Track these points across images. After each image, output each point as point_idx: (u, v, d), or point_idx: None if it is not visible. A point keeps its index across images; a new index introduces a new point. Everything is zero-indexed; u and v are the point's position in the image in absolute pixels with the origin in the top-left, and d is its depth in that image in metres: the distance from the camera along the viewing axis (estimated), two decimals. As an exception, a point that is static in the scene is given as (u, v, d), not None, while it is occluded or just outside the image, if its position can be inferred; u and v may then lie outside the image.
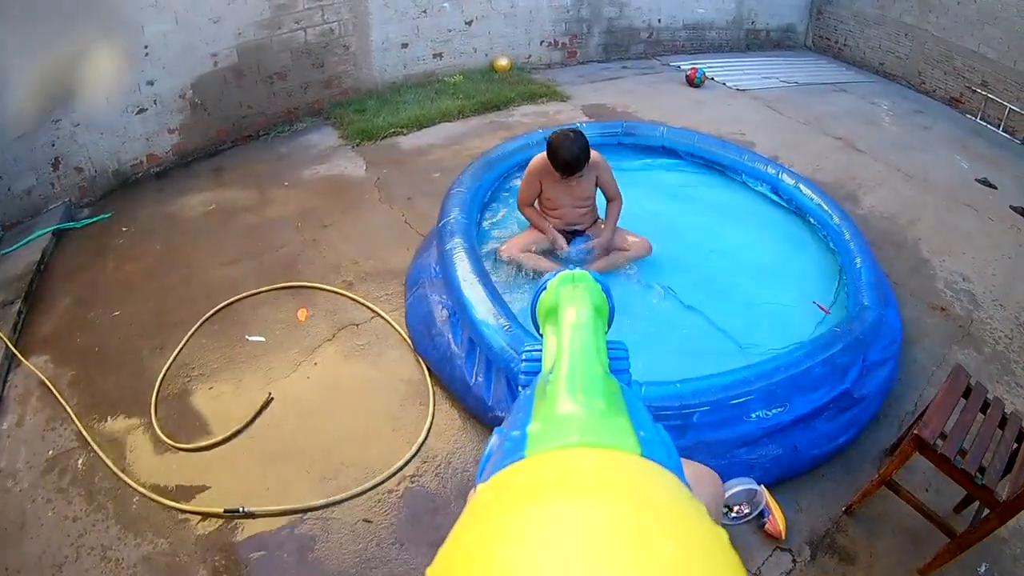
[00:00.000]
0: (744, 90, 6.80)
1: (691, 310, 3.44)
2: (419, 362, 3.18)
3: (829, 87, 7.11)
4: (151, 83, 4.57)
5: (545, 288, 1.12)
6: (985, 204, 4.92)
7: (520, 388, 0.96)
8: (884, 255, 4.05)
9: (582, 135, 3.33)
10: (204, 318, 3.37)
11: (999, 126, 6.32)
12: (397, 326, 3.37)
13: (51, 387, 2.97)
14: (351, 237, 4.07)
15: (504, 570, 0.42)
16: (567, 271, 1.12)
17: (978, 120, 6.49)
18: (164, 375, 3.04)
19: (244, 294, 3.55)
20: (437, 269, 3.31)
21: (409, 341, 3.28)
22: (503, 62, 6.48)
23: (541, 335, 1.11)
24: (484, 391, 2.85)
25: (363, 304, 3.51)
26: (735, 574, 0.44)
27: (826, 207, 4.00)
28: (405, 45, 5.99)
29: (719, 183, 4.58)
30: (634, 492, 0.51)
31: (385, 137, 5.21)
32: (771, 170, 4.37)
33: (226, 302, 3.48)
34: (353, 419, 2.90)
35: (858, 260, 3.48)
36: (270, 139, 5.28)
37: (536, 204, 3.67)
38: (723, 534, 0.47)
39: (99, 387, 3.01)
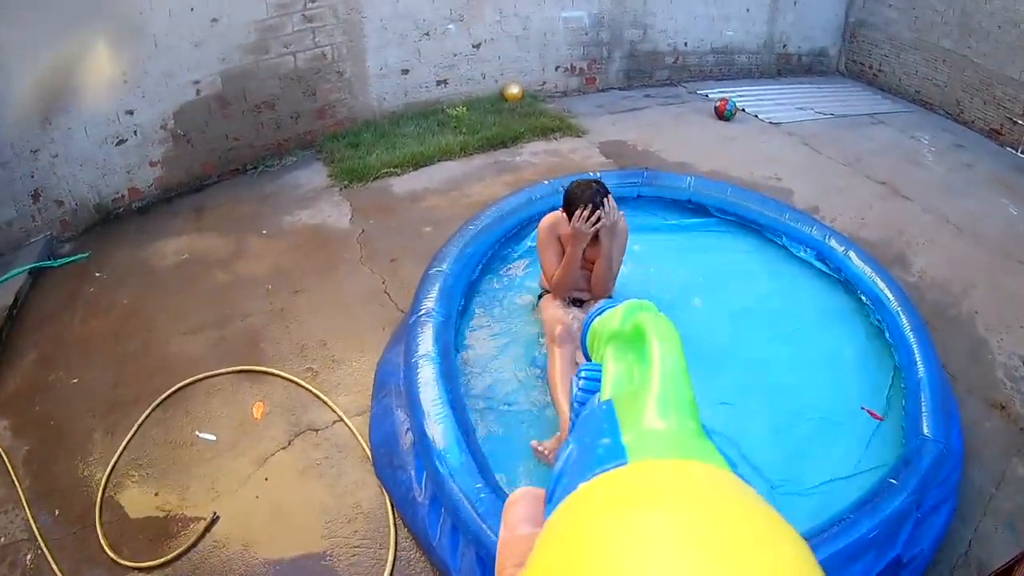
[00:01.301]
0: (778, 124, 6.35)
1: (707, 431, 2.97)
2: (382, 491, 2.76)
3: (866, 118, 6.77)
4: (130, 112, 4.33)
5: (603, 313, 1.18)
6: None
7: (576, 404, 1.07)
8: (939, 336, 3.61)
9: (604, 186, 3.08)
10: (155, 403, 3.12)
11: (1041, 161, 6.06)
12: (360, 438, 2.96)
13: (7, 463, 2.83)
14: (323, 309, 3.69)
15: (638, 565, 0.43)
16: (633, 300, 1.15)
17: (1019, 154, 6.22)
18: (112, 469, 2.81)
19: (199, 376, 3.26)
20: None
21: (371, 460, 2.88)
22: (514, 90, 6.03)
23: (588, 358, 1.22)
24: (449, 556, 2.36)
25: (325, 403, 3.13)
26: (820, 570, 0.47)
27: (882, 285, 3.54)
28: (406, 71, 5.57)
29: (753, 246, 4.13)
30: (746, 502, 0.53)
31: (377, 178, 4.80)
32: (817, 233, 3.92)
33: (180, 384, 3.21)
34: (304, 558, 2.55)
35: (920, 369, 3.03)
36: (257, 174, 4.91)
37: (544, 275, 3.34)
38: (803, 540, 0.50)
39: (52, 472, 2.84)
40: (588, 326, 1.25)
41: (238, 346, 3.45)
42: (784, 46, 7.64)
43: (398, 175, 4.87)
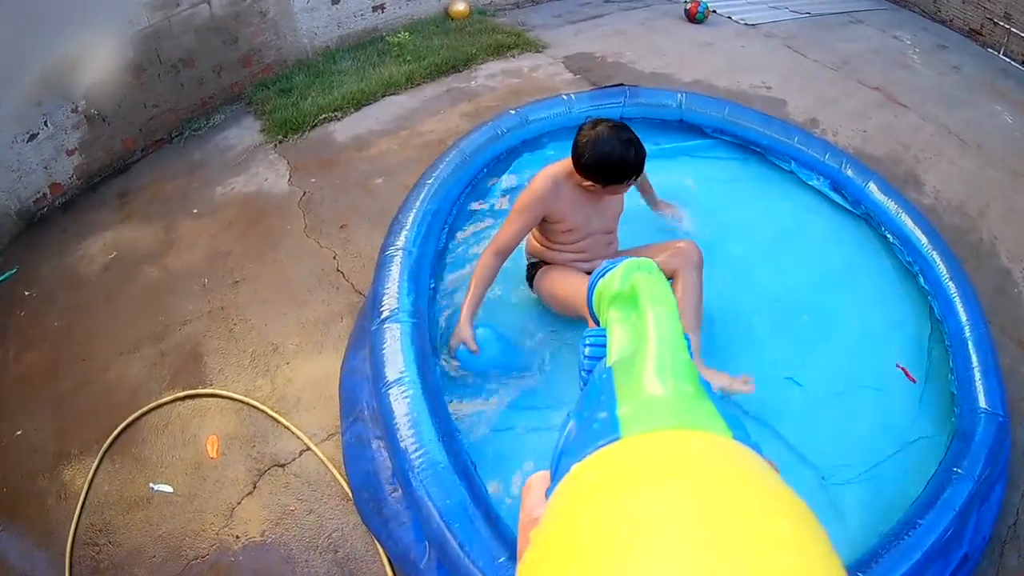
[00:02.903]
0: (754, 25, 5.83)
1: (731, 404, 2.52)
2: (372, 540, 2.30)
3: (843, 17, 6.42)
4: (38, 103, 3.70)
5: (605, 274, 1.13)
6: None
7: (583, 372, 1.07)
8: (965, 268, 3.32)
9: (640, 142, 2.45)
10: (101, 454, 2.61)
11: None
12: (335, 471, 2.47)
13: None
14: (269, 301, 3.13)
15: (630, 550, 0.42)
16: (632, 259, 1.11)
17: (1001, 55, 6.02)
18: (72, 544, 2.36)
19: (143, 410, 2.73)
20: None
21: (352, 498, 2.39)
22: (460, 7, 5.30)
23: (597, 322, 1.17)
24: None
25: (287, 427, 2.63)
26: (833, 550, 0.45)
27: (911, 223, 3.13)
28: (336, 1, 4.84)
29: (757, 175, 3.66)
30: (741, 473, 0.52)
31: (315, 126, 4.14)
32: (832, 160, 3.45)
33: (123, 425, 2.69)
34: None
35: (967, 328, 2.71)
36: (184, 141, 4.23)
37: (536, 241, 2.78)
38: (809, 508, 0.48)
39: (10, 557, 2.40)
40: (593, 288, 1.20)
41: (180, 363, 2.92)
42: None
43: (338, 119, 4.23)
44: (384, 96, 4.39)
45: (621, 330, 1.01)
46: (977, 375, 2.55)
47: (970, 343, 2.66)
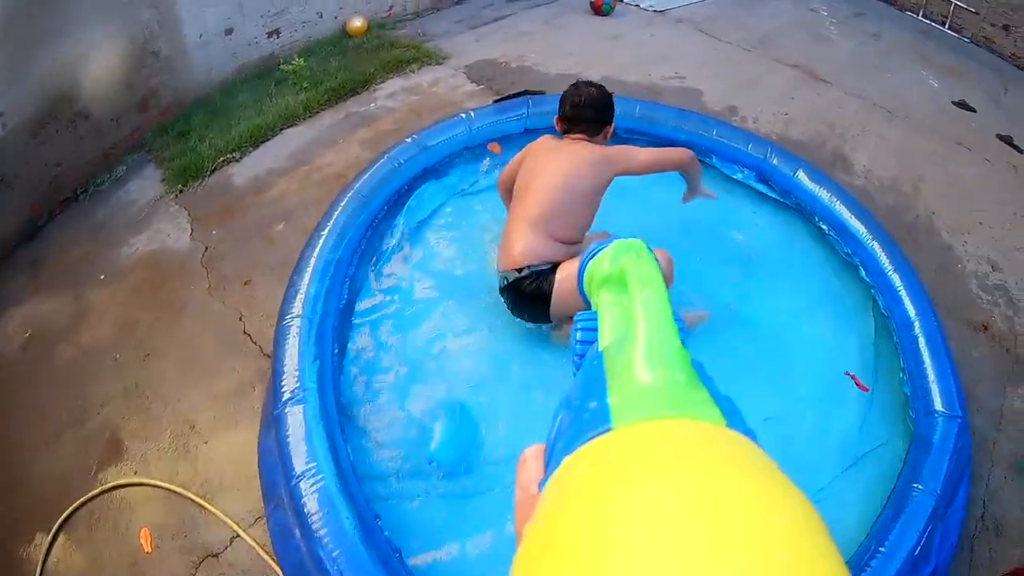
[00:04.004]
0: (663, 11, 5.72)
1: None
2: None
3: None
4: None
5: (595, 256, 1.13)
6: (974, 138, 4.45)
7: (576, 357, 1.05)
8: (904, 250, 3.24)
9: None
10: (41, 560, 2.37)
11: (945, 24, 5.99)
12: (269, 559, 2.26)
13: None
14: (180, 374, 2.90)
15: (622, 548, 0.42)
16: (622, 239, 1.11)
17: (920, 18, 6.15)
18: None
19: (72, 507, 2.50)
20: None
21: None
22: (357, 23, 5.03)
23: (590, 305, 1.17)
24: None
25: (213, 513, 2.40)
26: (830, 540, 0.45)
27: (846, 212, 3.04)
28: (229, 31, 4.50)
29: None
30: (734, 464, 0.51)
31: (214, 170, 3.85)
32: (756, 150, 3.34)
33: (56, 526, 2.45)
34: None
35: (916, 322, 2.61)
36: (88, 198, 3.89)
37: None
38: (806, 497, 0.48)
39: None
40: (583, 270, 1.21)
41: (103, 450, 2.69)
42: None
43: (237, 160, 3.94)
44: (282, 129, 4.13)
45: (612, 313, 1.01)
46: (931, 374, 2.46)
47: (921, 339, 2.58)
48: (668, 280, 2.53)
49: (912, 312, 2.63)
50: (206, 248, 3.39)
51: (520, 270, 2.53)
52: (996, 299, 3.29)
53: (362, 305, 2.85)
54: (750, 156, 3.33)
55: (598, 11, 5.51)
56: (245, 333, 2.97)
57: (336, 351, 2.52)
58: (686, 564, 0.39)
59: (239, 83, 4.59)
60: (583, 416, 0.67)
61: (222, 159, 3.88)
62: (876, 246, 2.87)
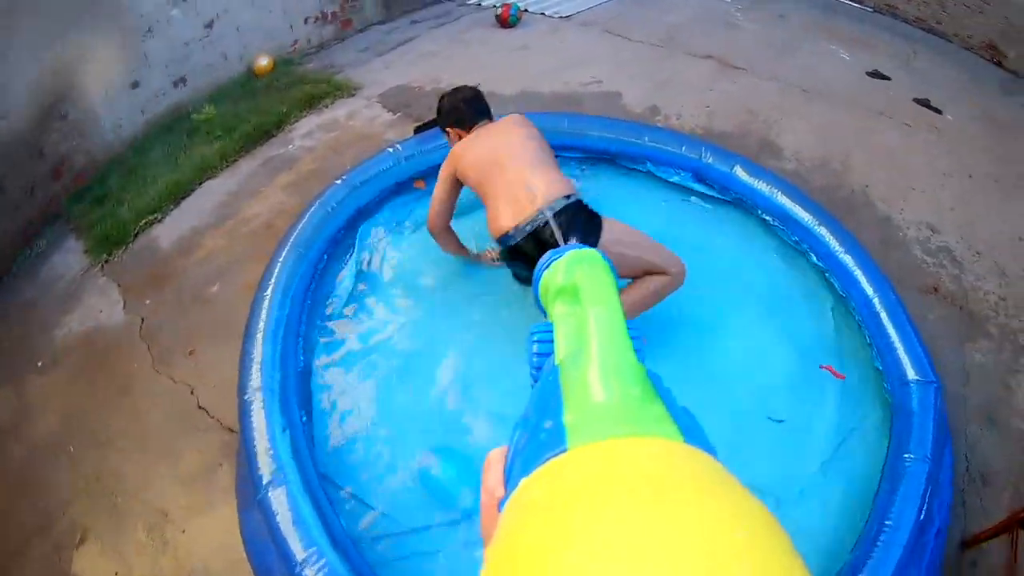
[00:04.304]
0: (569, 16, 5.72)
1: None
2: None
3: None
4: None
5: (549, 267, 1.12)
6: (894, 106, 4.60)
7: (533, 370, 1.01)
8: (846, 226, 3.28)
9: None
10: None
11: (846, -5, 6.28)
12: None
13: None
14: (140, 459, 2.70)
15: (579, 572, 0.41)
16: (575, 249, 1.12)
17: None
18: None
19: None
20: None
21: None
22: (263, 62, 4.86)
23: (546, 316, 1.15)
24: None
25: None
26: (794, 555, 0.44)
27: (788, 201, 3.04)
28: (135, 84, 4.28)
29: (614, 183, 3.47)
30: (692, 481, 0.51)
31: (137, 235, 3.63)
32: (689, 151, 3.30)
33: None
34: None
35: (872, 294, 2.64)
36: (13, 278, 3.63)
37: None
38: (769, 512, 0.48)
39: None
40: (538, 280, 1.18)
41: (77, 555, 2.48)
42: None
43: (159, 220, 3.72)
44: (201, 183, 3.93)
45: (567, 325, 0.99)
46: (899, 345, 2.49)
47: (883, 313, 2.60)
48: (676, 286, 2.53)
49: (870, 289, 2.66)
50: (142, 320, 3.19)
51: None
52: (941, 261, 3.39)
53: (320, 361, 2.71)
54: (685, 158, 3.30)
55: (504, 23, 5.47)
56: (200, 408, 2.79)
57: (304, 418, 2.38)
58: None
59: (151, 138, 4.38)
60: (539, 436, 0.66)
61: (144, 221, 3.68)
62: (822, 230, 2.90)
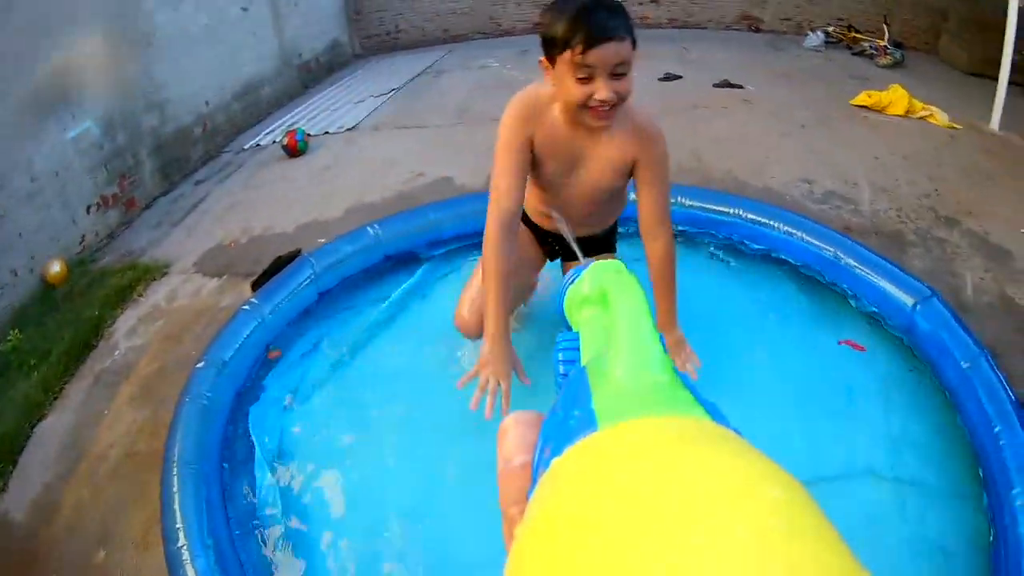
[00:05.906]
0: (354, 126, 5.50)
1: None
2: None
3: (425, 76, 6.69)
4: None
5: (577, 278, 1.18)
6: (702, 97, 4.90)
7: (559, 377, 1.10)
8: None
9: None
10: None
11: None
12: None
13: None
14: None
15: (620, 527, 0.42)
16: (601, 261, 1.17)
17: None
18: None
19: None
20: None
21: None
22: (55, 269, 4.04)
23: (570, 327, 1.22)
24: None
25: None
26: (820, 513, 0.45)
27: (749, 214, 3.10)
28: None
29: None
30: (726, 447, 0.53)
31: None
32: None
33: None
34: None
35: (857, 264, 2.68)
36: None
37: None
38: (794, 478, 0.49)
39: None
40: (563, 294, 1.23)
41: None
42: (300, 55, 6.93)
43: (3, 490, 2.78)
44: (32, 427, 3.06)
45: (593, 329, 1.07)
46: (888, 286, 2.53)
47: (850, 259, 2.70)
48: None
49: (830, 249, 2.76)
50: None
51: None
52: (834, 204, 3.56)
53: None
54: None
55: (294, 151, 5.08)
56: None
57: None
58: (684, 536, 0.40)
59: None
60: (569, 423, 0.69)
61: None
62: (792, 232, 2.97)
